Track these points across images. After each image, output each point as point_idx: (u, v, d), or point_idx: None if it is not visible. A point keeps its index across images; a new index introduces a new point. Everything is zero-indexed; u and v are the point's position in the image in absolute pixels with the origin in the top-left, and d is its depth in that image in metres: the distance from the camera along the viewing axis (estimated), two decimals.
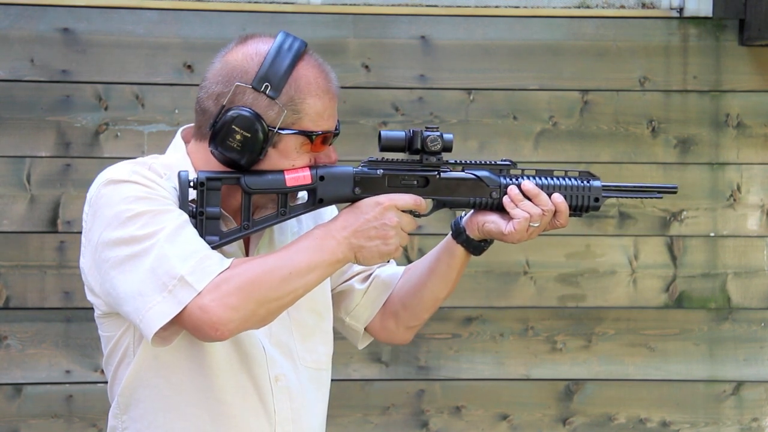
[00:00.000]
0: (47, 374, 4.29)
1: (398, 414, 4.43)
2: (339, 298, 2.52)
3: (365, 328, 2.54)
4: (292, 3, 4.39)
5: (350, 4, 4.42)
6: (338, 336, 2.58)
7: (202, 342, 2.26)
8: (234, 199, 2.29)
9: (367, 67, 4.40)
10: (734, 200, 4.51)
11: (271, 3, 4.38)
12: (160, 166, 2.29)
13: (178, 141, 2.36)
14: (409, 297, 2.50)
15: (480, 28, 4.44)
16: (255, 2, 4.37)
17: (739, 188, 4.51)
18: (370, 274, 2.52)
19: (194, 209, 2.25)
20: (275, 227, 2.37)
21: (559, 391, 4.48)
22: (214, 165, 2.29)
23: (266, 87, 2.24)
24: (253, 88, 2.24)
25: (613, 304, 4.49)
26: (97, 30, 4.30)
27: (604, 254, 4.48)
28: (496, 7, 4.48)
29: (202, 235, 2.23)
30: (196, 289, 2.13)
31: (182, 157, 2.33)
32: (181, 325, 2.17)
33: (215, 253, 2.20)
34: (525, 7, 4.48)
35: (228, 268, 2.17)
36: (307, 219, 2.41)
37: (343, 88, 4.33)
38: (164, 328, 2.20)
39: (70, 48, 4.28)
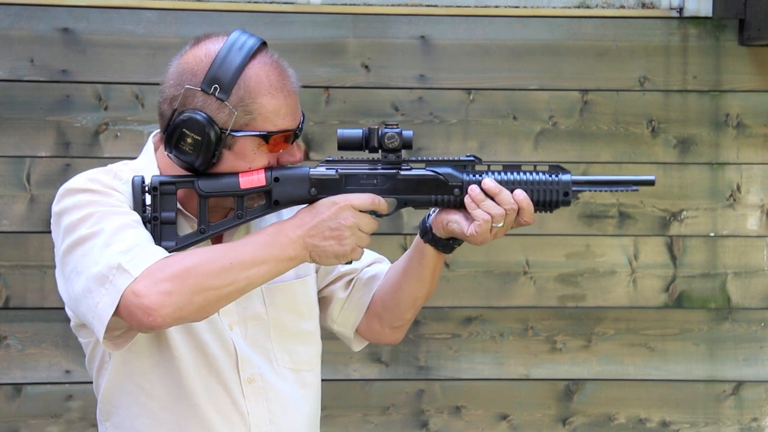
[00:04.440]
0: (47, 374, 4.29)
1: (398, 414, 4.43)
2: (323, 304, 2.50)
3: (356, 331, 2.53)
4: (292, 3, 4.39)
5: (350, 4, 4.42)
6: (337, 336, 2.58)
7: (167, 347, 2.26)
8: (196, 201, 2.28)
9: (367, 67, 4.40)
10: (734, 200, 4.51)
11: (271, 3, 4.38)
12: (128, 171, 2.28)
13: (148, 145, 2.36)
14: (388, 298, 2.46)
15: (480, 28, 4.44)
16: (255, 2, 4.37)
17: (738, 188, 4.51)
18: (352, 279, 2.50)
19: (149, 214, 2.23)
20: (253, 225, 2.35)
21: (558, 391, 4.48)
22: (179, 169, 2.27)
23: (215, 89, 2.21)
24: (202, 90, 2.22)
25: (613, 304, 4.49)
26: (97, 30, 4.30)
27: (604, 254, 4.48)
28: (496, 7, 4.48)
29: (157, 240, 2.21)
30: (132, 275, 2.10)
31: (149, 162, 2.32)
32: (120, 316, 2.14)
33: (158, 247, 2.18)
34: (525, 7, 4.48)
35: (168, 256, 2.15)
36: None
37: (343, 88, 4.39)
38: (118, 335, 2.19)
39: (70, 48, 4.28)
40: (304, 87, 4.36)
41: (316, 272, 2.48)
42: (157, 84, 4.33)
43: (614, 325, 4.50)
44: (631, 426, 4.50)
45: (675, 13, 4.51)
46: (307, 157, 4.33)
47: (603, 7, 4.53)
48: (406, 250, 4.44)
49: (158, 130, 2.33)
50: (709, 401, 4.52)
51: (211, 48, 2.25)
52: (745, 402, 4.53)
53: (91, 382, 2.38)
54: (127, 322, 2.14)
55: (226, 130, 2.22)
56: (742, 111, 4.51)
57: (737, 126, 4.51)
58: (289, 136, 2.27)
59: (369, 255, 2.52)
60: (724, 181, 4.51)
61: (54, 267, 2.30)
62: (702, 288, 4.52)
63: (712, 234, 4.52)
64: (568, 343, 4.48)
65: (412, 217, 4.24)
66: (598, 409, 4.50)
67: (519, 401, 4.47)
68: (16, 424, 4.29)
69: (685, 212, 4.51)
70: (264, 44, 2.27)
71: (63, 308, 2.35)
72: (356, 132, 2.28)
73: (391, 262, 2.56)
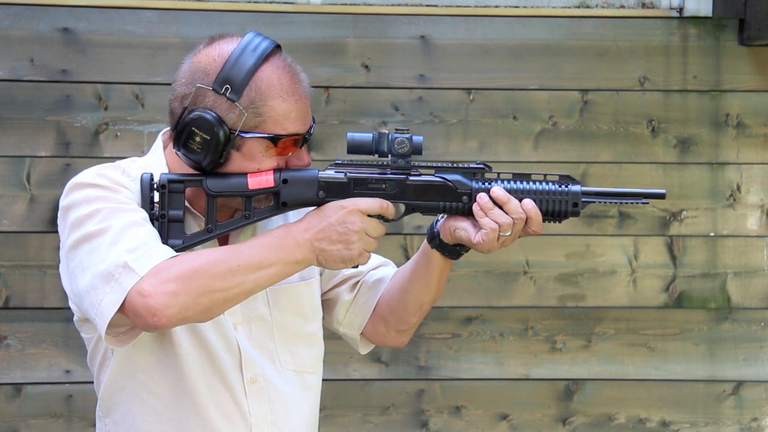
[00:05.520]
0: (47, 374, 4.29)
1: (398, 414, 4.43)
2: (328, 306, 2.50)
3: (362, 333, 2.52)
4: (292, 3, 4.39)
5: (350, 4, 4.42)
6: (338, 336, 2.58)
7: (171, 344, 2.26)
8: (204, 200, 2.27)
9: (367, 67, 4.40)
10: (734, 200, 4.51)
11: (271, 3, 4.38)
12: (136, 168, 2.28)
13: (157, 143, 2.36)
14: (395, 301, 2.45)
15: (480, 28, 4.44)
16: (255, 2, 4.37)
17: (738, 188, 4.51)
18: (358, 282, 2.49)
19: (157, 212, 2.23)
20: (259, 226, 2.34)
21: (558, 391, 4.48)
22: (187, 167, 2.27)
23: (227, 89, 2.21)
24: (213, 90, 2.21)
25: (613, 304, 4.49)
26: (97, 30, 4.30)
27: (604, 254, 4.48)
28: (496, 7, 4.48)
29: (164, 238, 2.21)
30: (138, 274, 2.10)
31: (158, 160, 2.32)
32: (125, 314, 2.14)
33: (165, 246, 2.18)
34: (525, 7, 4.48)
35: (174, 256, 2.15)
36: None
37: (343, 88, 4.39)
38: (123, 332, 2.19)
39: (70, 48, 4.28)
40: None
41: (320, 275, 2.47)
42: (158, 84, 4.37)
43: (614, 325, 4.50)
44: (631, 426, 4.50)
45: (675, 13, 4.50)
46: None
47: (603, 7, 4.53)
48: (406, 250, 4.47)
49: (168, 128, 2.33)
50: (709, 401, 4.52)
51: (225, 48, 2.24)
52: (745, 402, 4.53)
53: (92, 382, 2.38)
54: (132, 320, 2.14)
55: (236, 130, 2.21)
56: (742, 111, 4.51)
57: (737, 126, 4.51)
58: (298, 140, 2.26)
59: (374, 258, 2.51)
60: (724, 181, 4.51)
61: (57, 263, 2.30)
62: (702, 288, 4.52)
63: (712, 234, 4.51)
64: (568, 343, 4.48)
65: (412, 218, 4.24)
66: (598, 409, 4.50)
67: (519, 401, 4.47)
68: (16, 424, 4.29)
69: (685, 212, 4.51)
70: (278, 47, 2.27)
71: (63, 308, 2.35)
72: (366, 136, 2.26)
73: (392, 262, 2.56)
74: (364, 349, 2.54)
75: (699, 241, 4.51)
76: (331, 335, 2.56)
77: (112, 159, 2.42)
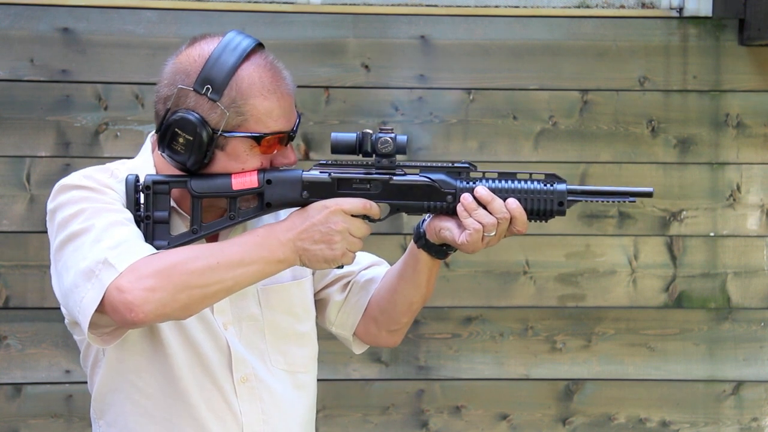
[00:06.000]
0: (47, 374, 4.29)
1: (398, 414, 4.43)
2: (320, 306, 2.49)
3: (354, 334, 2.51)
4: (292, 3, 4.39)
5: (350, 4, 4.42)
6: (337, 338, 2.58)
7: (161, 345, 2.26)
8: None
9: (366, 67, 4.40)
10: (734, 200, 4.51)
11: (271, 3, 4.38)
12: (124, 170, 2.28)
13: (146, 145, 2.35)
14: (384, 301, 2.44)
15: (480, 28, 4.44)
16: (255, 2, 4.37)
17: (738, 188, 4.51)
18: (349, 281, 2.49)
19: (143, 213, 2.23)
20: (249, 226, 2.34)
21: (558, 391, 4.48)
22: (175, 169, 2.27)
23: (208, 89, 2.20)
24: (195, 90, 2.21)
25: (613, 303, 4.49)
26: (97, 30, 4.30)
27: (604, 254, 4.48)
28: (496, 7, 4.48)
29: (150, 239, 2.21)
30: (117, 270, 2.10)
31: (146, 161, 2.31)
32: (104, 311, 2.13)
33: (147, 244, 2.17)
34: (525, 7, 4.49)
35: (154, 253, 2.14)
36: None
37: (343, 88, 4.39)
38: (107, 332, 2.18)
39: (70, 48, 4.28)
40: (305, 87, 4.37)
41: (313, 274, 2.46)
42: None
43: (614, 325, 4.50)
44: (631, 426, 4.51)
45: (675, 13, 4.51)
46: (306, 157, 4.33)
47: (603, 7, 4.53)
48: (405, 250, 4.45)
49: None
50: (709, 401, 4.53)
51: (205, 48, 2.24)
52: (745, 402, 4.53)
53: None
54: (111, 317, 2.13)
55: (218, 130, 2.21)
56: (742, 111, 4.51)
57: (737, 126, 4.51)
58: (283, 137, 2.26)
59: (367, 257, 2.51)
60: (724, 181, 4.51)
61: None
62: (702, 288, 4.52)
63: (712, 234, 4.52)
64: (568, 343, 4.48)
65: (412, 218, 4.24)
66: (598, 409, 4.50)
67: (519, 401, 4.47)
68: (16, 424, 4.29)
69: (685, 212, 4.51)
70: (260, 45, 2.26)
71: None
72: (350, 136, 2.26)
73: (391, 263, 2.56)
74: (358, 349, 2.54)
75: (699, 241, 4.51)
76: (329, 335, 2.56)
77: (112, 159, 2.42)
